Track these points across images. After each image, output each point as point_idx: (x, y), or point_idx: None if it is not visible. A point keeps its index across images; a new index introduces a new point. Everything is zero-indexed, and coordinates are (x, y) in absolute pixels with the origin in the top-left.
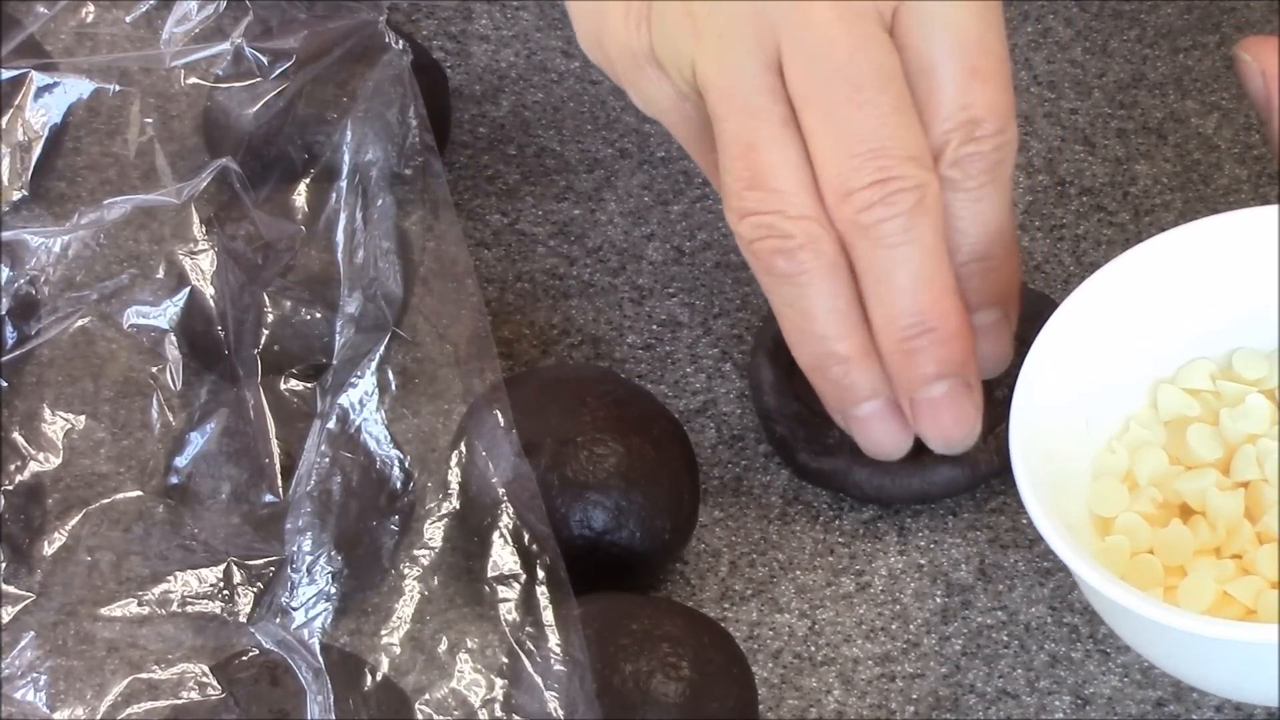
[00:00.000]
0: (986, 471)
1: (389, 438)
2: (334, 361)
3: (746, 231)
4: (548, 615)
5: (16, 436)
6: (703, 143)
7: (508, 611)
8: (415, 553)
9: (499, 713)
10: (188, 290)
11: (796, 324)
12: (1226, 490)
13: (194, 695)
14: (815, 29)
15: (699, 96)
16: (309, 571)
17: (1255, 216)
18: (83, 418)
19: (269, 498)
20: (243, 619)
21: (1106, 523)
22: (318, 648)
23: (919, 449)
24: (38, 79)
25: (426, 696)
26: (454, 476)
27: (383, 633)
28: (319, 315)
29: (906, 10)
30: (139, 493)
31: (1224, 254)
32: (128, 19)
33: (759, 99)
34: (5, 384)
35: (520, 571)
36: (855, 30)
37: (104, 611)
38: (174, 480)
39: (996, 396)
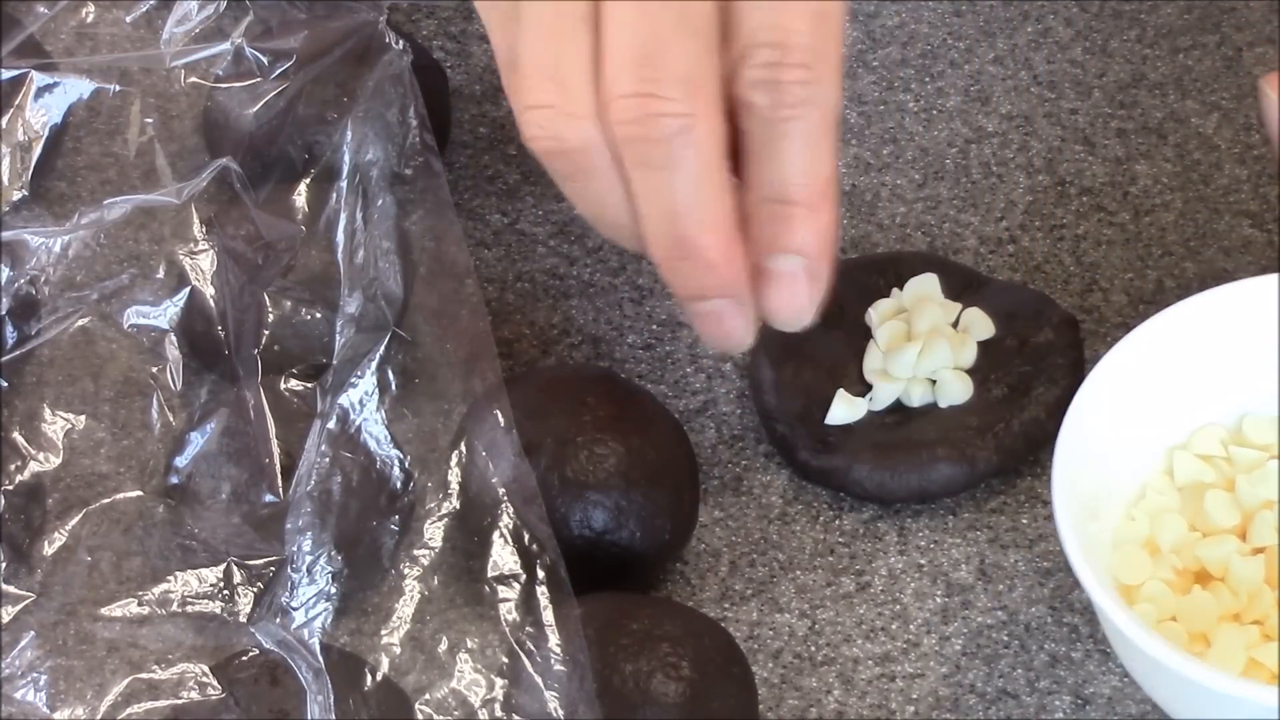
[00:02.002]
0: (985, 470)
1: (389, 438)
2: (334, 361)
3: (526, 129)
4: (548, 615)
5: (16, 436)
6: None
7: (508, 611)
8: (415, 553)
9: (499, 713)
10: (188, 290)
11: (589, 212)
12: (1245, 556)
13: (194, 695)
14: None
15: None
16: (309, 571)
17: (1260, 286)
18: (83, 418)
19: (269, 498)
20: (243, 619)
21: (1130, 590)
22: (318, 648)
23: (917, 445)
24: (38, 79)
25: (426, 696)
26: (454, 476)
27: (383, 633)
28: (319, 315)
29: None
30: (139, 493)
31: (1231, 322)
32: (128, 19)
33: None
34: (5, 384)
35: (520, 571)
36: None
37: (104, 611)
38: (174, 480)
39: (994, 396)
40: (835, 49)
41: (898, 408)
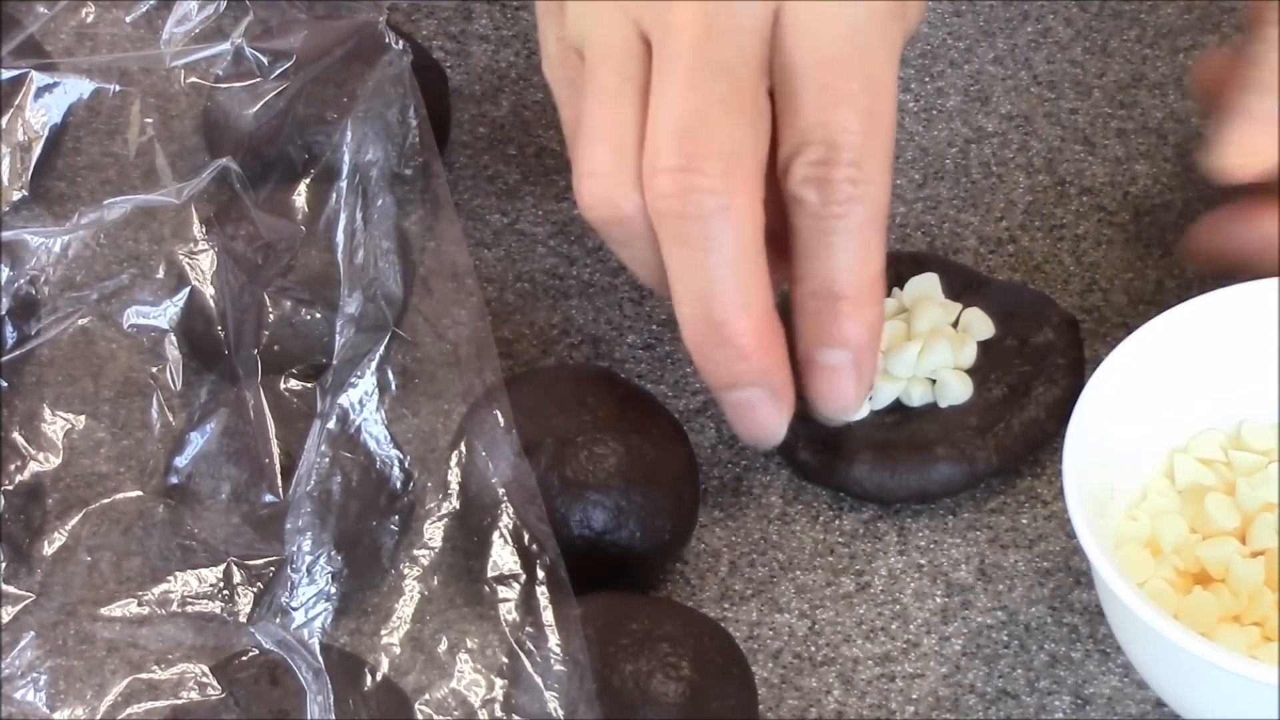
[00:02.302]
0: (985, 470)
1: (389, 438)
2: (334, 361)
3: (579, 196)
4: (548, 615)
5: (16, 436)
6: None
7: (508, 611)
8: (415, 553)
9: (499, 713)
10: (188, 290)
11: (646, 278)
12: (1245, 558)
13: (194, 695)
14: (675, 13)
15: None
16: (309, 571)
17: (1260, 290)
18: (83, 418)
19: (269, 498)
20: (243, 619)
21: None
22: (318, 648)
23: (917, 445)
24: (38, 79)
25: (426, 696)
26: (454, 476)
27: (383, 633)
28: (319, 315)
29: (786, 11)
30: (139, 493)
31: (1231, 326)
32: (128, 19)
33: (628, 62)
34: (5, 384)
35: (520, 571)
36: (712, 19)
37: (104, 611)
38: (174, 480)
39: (994, 396)
40: (885, 149)
41: (897, 407)
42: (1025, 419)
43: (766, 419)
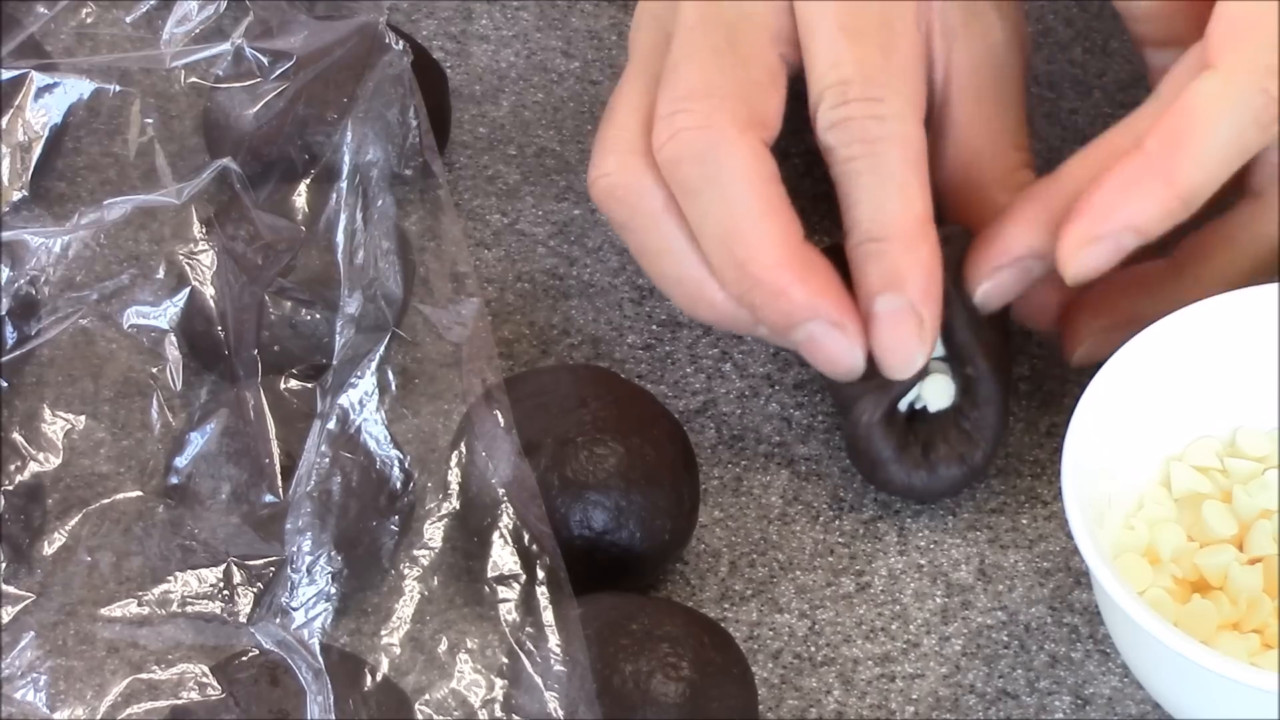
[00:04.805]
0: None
1: (389, 438)
2: (334, 361)
3: (590, 176)
4: (548, 615)
5: (16, 436)
6: None
7: (508, 611)
8: (415, 553)
9: (499, 713)
10: (188, 290)
11: (658, 273)
12: (1243, 565)
13: (194, 695)
14: (684, 6)
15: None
16: (309, 571)
17: (1256, 295)
18: (83, 418)
19: (269, 498)
20: (243, 619)
21: None
22: (318, 648)
23: (927, 449)
24: (38, 79)
25: (426, 696)
26: (454, 476)
27: (383, 633)
28: (319, 315)
29: None
30: (139, 493)
31: (1227, 332)
32: (128, 19)
33: (650, 57)
34: (5, 384)
35: (520, 571)
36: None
37: (104, 611)
38: (174, 480)
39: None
40: (908, 84)
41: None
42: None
43: (836, 352)
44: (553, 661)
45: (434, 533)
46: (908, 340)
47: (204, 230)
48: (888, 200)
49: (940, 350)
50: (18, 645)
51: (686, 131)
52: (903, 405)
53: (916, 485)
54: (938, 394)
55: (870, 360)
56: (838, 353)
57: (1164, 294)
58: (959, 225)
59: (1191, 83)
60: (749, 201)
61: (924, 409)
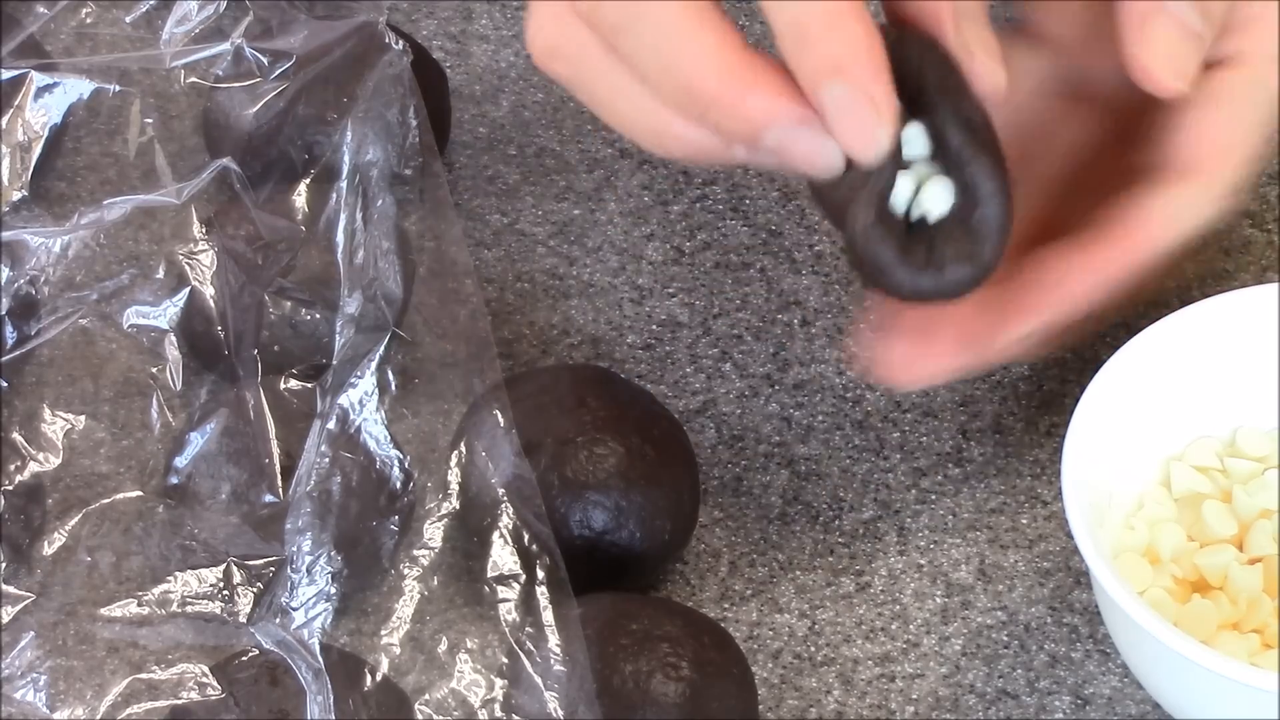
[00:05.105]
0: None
1: (389, 438)
2: (334, 361)
3: (529, 43)
4: (548, 615)
5: (16, 436)
6: None
7: (508, 611)
8: (415, 553)
9: (499, 713)
10: (188, 290)
11: (617, 117)
12: (1243, 565)
13: (194, 695)
14: None
15: None
16: (309, 571)
17: (1256, 295)
18: (83, 418)
19: (269, 498)
20: (243, 619)
21: None
22: (318, 648)
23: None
24: (38, 79)
25: (426, 696)
26: (454, 476)
27: (383, 633)
28: (319, 315)
29: None
30: (139, 493)
31: (1227, 332)
32: (128, 19)
33: None
34: (5, 384)
35: (520, 571)
36: None
37: (104, 611)
38: (174, 480)
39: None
40: None
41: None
42: None
43: (810, 151)
44: (553, 661)
45: (434, 533)
46: (865, 123)
47: (204, 230)
48: None
49: (927, 150)
50: (18, 645)
51: None
52: (900, 209)
53: (925, 287)
54: (937, 199)
55: (850, 170)
56: (812, 151)
57: (1085, 272)
58: (920, 33)
59: (1166, 198)
60: (676, 22)
61: (925, 218)
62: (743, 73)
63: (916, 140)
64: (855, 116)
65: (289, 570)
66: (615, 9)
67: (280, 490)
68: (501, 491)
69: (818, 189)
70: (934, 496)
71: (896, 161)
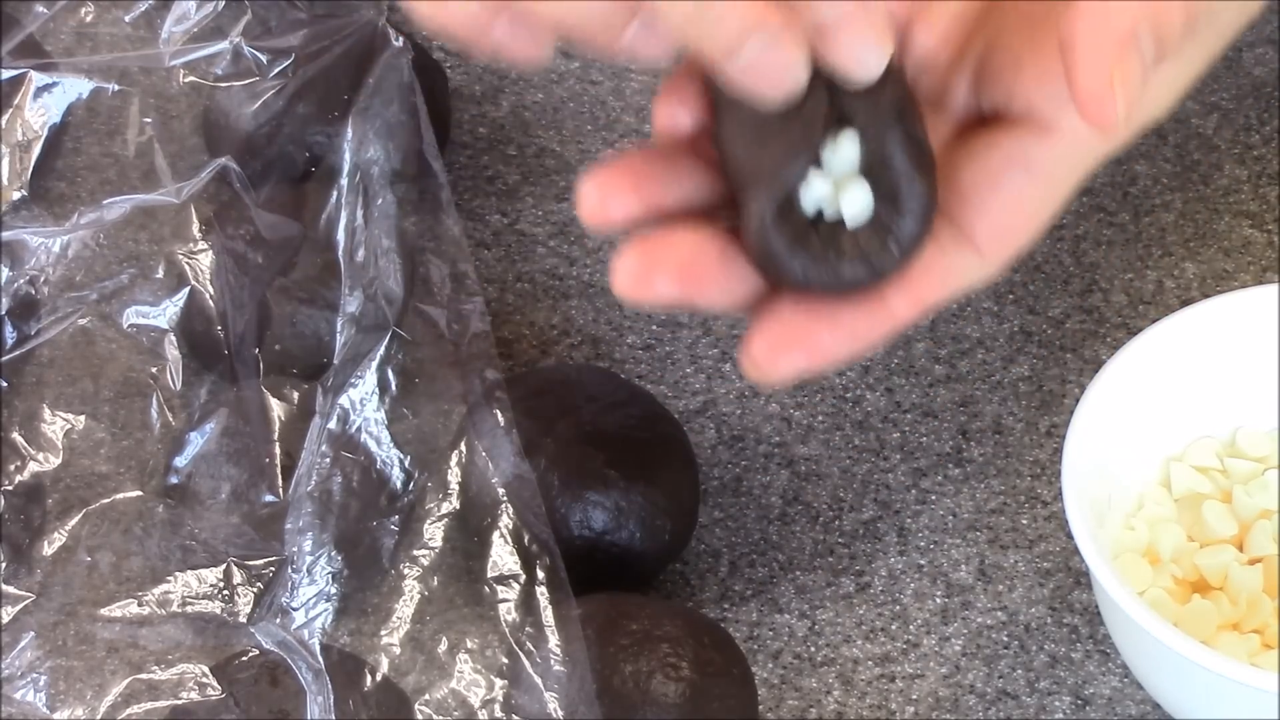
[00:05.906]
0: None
1: (389, 438)
2: (334, 361)
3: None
4: (548, 615)
5: (16, 436)
6: None
7: (508, 612)
8: (415, 553)
9: (499, 713)
10: (188, 290)
11: (566, 20)
12: (1243, 565)
13: (194, 695)
14: None
15: None
16: (309, 571)
17: (1257, 296)
18: (83, 418)
19: (269, 498)
20: (243, 619)
21: None
22: (318, 648)
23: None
24: (37, 79)
25: (426, 696)
26: (454, 476)
27: (383, 633)
28: (319, 315)
29: None
30: (139, 493)
31: (1227, 332)
32: (127, 19)
33: None
34: (5, 384)
35: (520, 572)
36: None
37: (104, 611)
38: (174, 480)
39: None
40: None
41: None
42: None
43: (781, 65)
44: (553, 661)
45: (434, 533)
46: (857, 41)
47: (204, 230)
48: None
49: (858, 155)
50: (18, 645)
51: None
52: (809, 208)
53: (817, 278)
54: (855, 204)
55: (766, 147)
56: (782, 65)
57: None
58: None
59: (948, 260)
60: None
61: (841, 222)
62: None
63: (848, 146)
64: (855, 30)
65: (289, 570)
66: None
67: (280, 490)
68: (501, 491)
69: (731, 140)
70: (934, 497)
71: (814, 154)
